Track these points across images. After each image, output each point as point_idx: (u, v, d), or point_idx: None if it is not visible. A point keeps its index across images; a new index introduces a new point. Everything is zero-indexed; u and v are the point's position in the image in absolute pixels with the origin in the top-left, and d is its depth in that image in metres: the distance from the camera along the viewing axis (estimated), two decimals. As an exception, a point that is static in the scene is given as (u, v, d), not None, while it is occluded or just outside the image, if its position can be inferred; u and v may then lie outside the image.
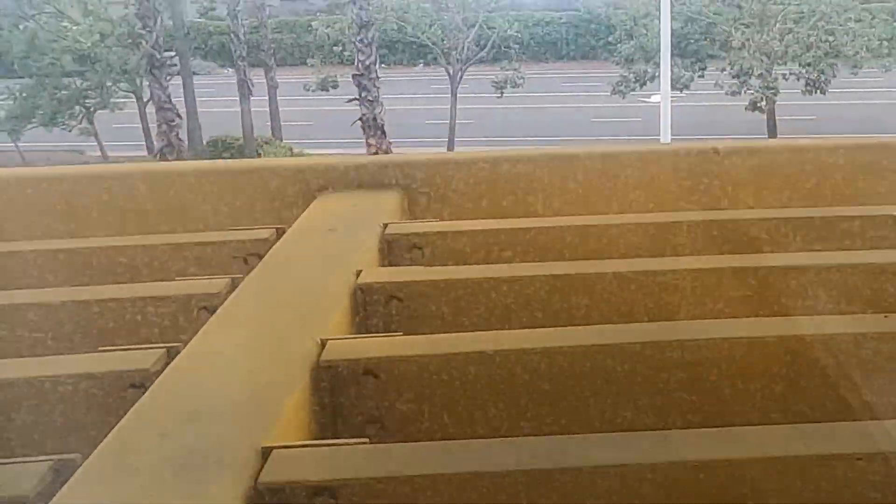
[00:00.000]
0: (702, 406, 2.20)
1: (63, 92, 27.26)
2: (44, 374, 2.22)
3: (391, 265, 2.93)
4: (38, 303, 2.68)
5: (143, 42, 26.83)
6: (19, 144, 27.47)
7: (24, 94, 27.13)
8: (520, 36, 36.22)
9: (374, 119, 28.20)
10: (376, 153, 27.45)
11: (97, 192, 3.39)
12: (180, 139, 26.63)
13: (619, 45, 33.23)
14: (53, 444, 2.15)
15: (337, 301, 2.49)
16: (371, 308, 2.58)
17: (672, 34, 27.72)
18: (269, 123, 30.68)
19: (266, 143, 29.03)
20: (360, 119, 28.09)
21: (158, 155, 26.38)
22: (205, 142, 29.35)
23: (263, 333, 2.34)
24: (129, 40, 28.01)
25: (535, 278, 2.66)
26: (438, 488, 1.74)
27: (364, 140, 27.87)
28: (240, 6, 31.73)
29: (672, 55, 28.11)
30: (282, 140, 29.77)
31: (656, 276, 2.64)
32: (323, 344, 2.22)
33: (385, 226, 3.00)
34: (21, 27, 27.95)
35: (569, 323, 2.55)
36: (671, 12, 27.42)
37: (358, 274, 2.62)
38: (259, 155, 27.88)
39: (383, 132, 28.16)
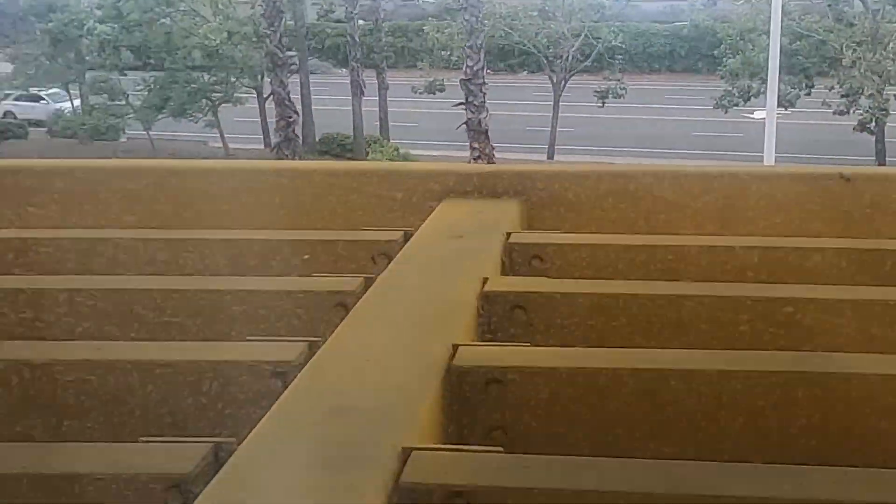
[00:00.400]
0: (836, 442, 2.09)
1: (192, 85, 28.64)
2: (193, 358, 2.31)
3: (512, 274, 2.94)
4: (182, 289, 2.75)
5: (267, 41, 28.03)
6: (150, 133, 29.15)
7: (158, 86, 28.68)
8: (624, 47, 36.19)
9: (479, 123, 28.74)
10: (479, 157, 28.02)
11: (234, 185, 3.49)
12: (296, 135, 27.70)
13: (724, 59, 32.89)
14: (201, 425, 2.25)
15: (464, 307, 2.51)
16: (495, 316, 2.60)
17: (780, 50, 27.38)
18: (377, 123, 31.60)
19: (374, 141, 29.89)
20: (466, 123, 28.68)
21: (275, 149, 27.56)
22: (317, 138, 30.44)
23: (397, 334, 2.38)
24: (254, 39, 29.21)
25: (660, 297, 2.61)
26: (569, 502, 1.75)
27: (468, 144, 28.47)
28: (356, 10, 32.80)
29: (779, 71, 27.76)
30: (389, 140, 30.63)
31: (786, 303, 2.53)
32: (454, 349, 2.26)
33: (508, 235, 3.01)
34: (158, 23, 29.53)
35: (696, 345, 2.49)
36: (780, 28, 27.09)
37: (484, 282, 2.64)
38: (367, 153, 28.78)
39: (487, 137, 28.68)
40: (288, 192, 3.42)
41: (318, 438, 1.87)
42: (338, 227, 3.24)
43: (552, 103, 32.47)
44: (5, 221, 3.29)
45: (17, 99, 32.29)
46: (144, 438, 1.99)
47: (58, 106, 31.56)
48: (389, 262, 2.83)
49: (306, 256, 3.03)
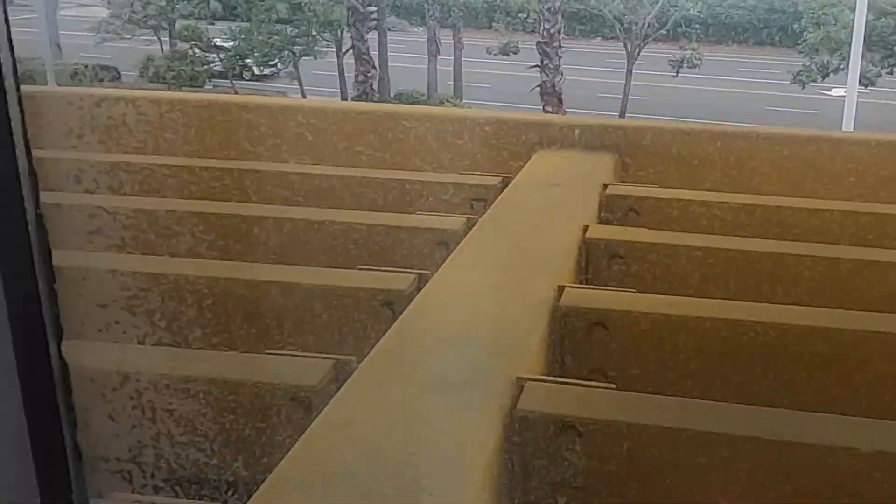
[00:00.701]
0: None
1: (275, 37, 29.12)
2: (315, 282, 2.36)
3: (608, 224, 2.96)
4: (298, 219, 2.83)
5: (349, -4, 28.30)
6: (235, 83, 29.77)
7: (243, 37, 29.27)
8: (701, 16, 35.48)
9: (553, 87, 28.71)
10: (550, 120, 28.08)
11: (340, 125, 3.54)
12: (373, 89, 28.10)
13: (804, 33, 32.06)
14: (318, 343, 2.30)
15: (565, 252, 2.54)
16: (594, 263, 2.63)
17: (864, 26, 26.63)
18: (451, 83, 31.76)
19: (447, 100, 30.10)
20: (540, 86, 28.67)
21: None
22: (392, 94, 30.76)
23: (502, 273, 2.41)
24: (336, -7, 29.53)
25: (757, 254, 2.60)
26: (678, 441, 1.72)
27: (541, 107, 28.51)
28: (435, -32, 32.79)
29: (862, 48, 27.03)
30: (461, 99, 30.79)
31: (878, 266, 2.52)
32: (560, 290, 2.26)
33: (605, 186, 3.02)
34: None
35: (790, 301, 2.47)
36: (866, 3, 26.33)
37: (585, 229, 2.65)
38: (441, 111, 29.01)
39: (560, 100, 28.65)
40: (390, 133, 3.49)
41: (433, 364, 1.91)
42: (438, 168, 3.32)
43: (625, 71, 32.18)
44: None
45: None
46: (270, 352, 2.09)
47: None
48: (487, 206, 2.89)
49: (401, 194, 3.11)
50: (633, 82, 31.71)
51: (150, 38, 30.29)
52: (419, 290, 2.30)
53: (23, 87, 0.99)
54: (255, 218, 2.89)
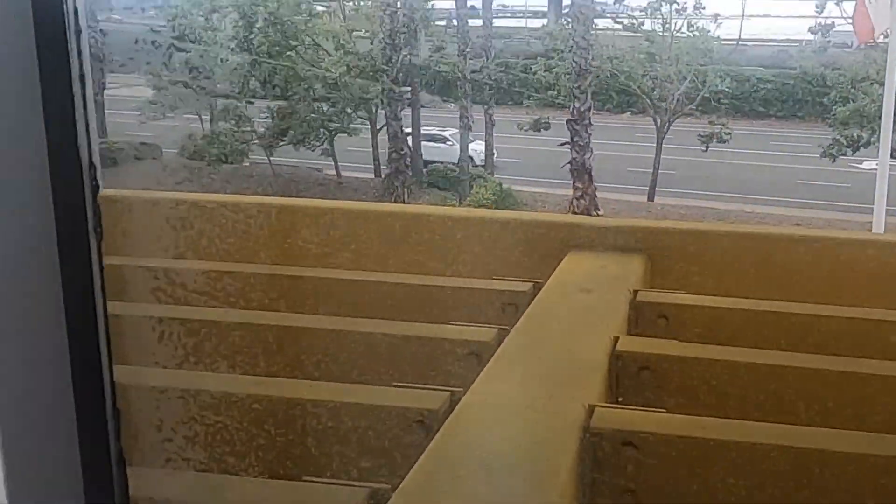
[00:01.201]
0: None
1: (312, 115, 29.66)
2: (345, 400, 2.32)
3: (638, 332, 2.90)
4: (317, 328, 2.78)
5: (383, 76, 28.84)
6: (271, 159, 30.31)
7: (281, 115, 29.85)
8: (730, 91, 35.54)
9: (583, 163, 28.72)
10: (581, 196, 28.02)
11: (363, 228, 3.49)
12: (406, 167, 28.37)
13: (833, 107, 31.93)
14: (349, 465, 2.29)
15: (595, 365, 2.50)
16: (624, 376, 2.57)
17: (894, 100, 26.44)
18: (482, 157, 31.99)
19: (479, 176, 30.25)
20: (570, 162, 28.72)
21: (385, 179, 28.25)
22: (425, 171, 31.03)
23: (533, 389, 2.36)
24: (371, 73, 30.10)
25: (795, 370, 2.49)
26: None
27: (571, 183, 28.51)
28: (468, 47, 33.35)
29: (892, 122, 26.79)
30: (493, 175, 30.95)
31: None
32: (590, 409, 2.24)
33: (635, 293, 2.97)
34: (285, 56, 30.74)
35: (833, 424, 2.35)
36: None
37: (615, 341, 2.62)
38: (471, 186, 29.14)
39: (590, 177, 28.64)
40: (417, 237, 3.45)
41: (467, 492, 1.92)
42: (466, 273, 3.29)
43: (655, 145, 32.17)
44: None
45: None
46: (306, 479, 2.07)
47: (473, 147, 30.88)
48: (519, 313, 2.86)
49: (428, 299, 3.09)
50: (663, 157, 31.64)
51: (191, 116, 31.05)
52: (452, 408, 2.29)
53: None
54: (279, 328, 2.84)
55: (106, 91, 32.55)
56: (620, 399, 2.58)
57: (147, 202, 3.61)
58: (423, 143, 31.78)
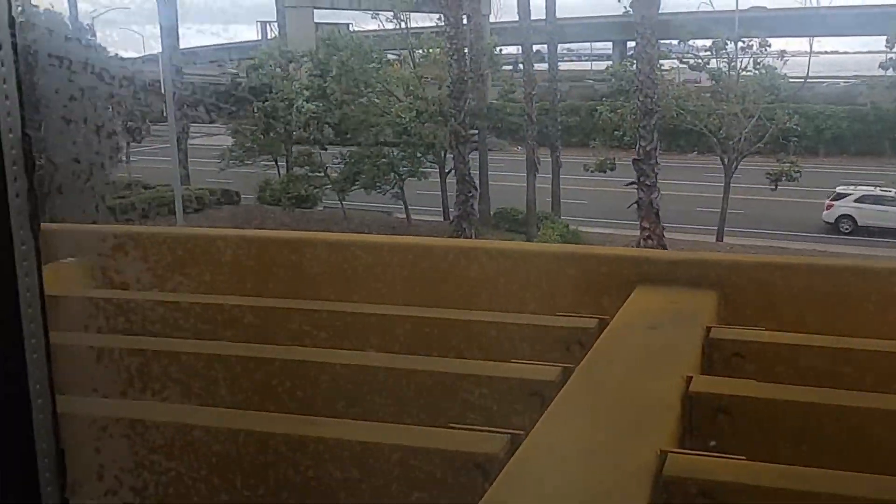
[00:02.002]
0: None
1: (382, 160, 29.99)
2: (402, 442, 2.20)
3: (712, 371, 2.70)
4: (375, 366, 2.66)
5: (452, 120, 28.98)
6: (344, 203, 30.67)
7: (353, 160, 30.26)
8: (799, 129, 34.63)
9: (650, 203, 28.21)
10: (649, 237, 27.49)
11: (426, 263, 3.36)
12: (474, 209, 28.32)
13: (905, 142, 30.82)
14: None
15: (666, 407, 2.33)
16: (698, 419, 2.39)
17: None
18: (549, 199, 31.77)
19: (546, 217, 30.01)
20: (637, 202, 28.27)
21: (454, 222, 28.25)
22: (492, 213, 30.94)
23: (599, 433, 2.22)
24: (440, 117, 30.30)
25: (878, 412, 2.28)
26: None
27: (637, 223, 28.04)
28: (535, 90, 33.36)
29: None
30: (560, 216, 30.68)
31: None
32: (662, 456, 2.08)
33: (708, 329, 2.79)
34: (357, 102, 31.25)
35: None
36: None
37: (687, 381, 2.44)
38: (539, 228, 28.93)
39: (657, 217, 28.11)
40: (481, 272, 3.30)
41: None
42: (531, 309, 3.11)
43: (723, 184, 31.46)
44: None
45: (859, 200, 29.75)
46: None
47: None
48: (584, 351, 2.68)
49: (490, 337, 2.90)
50: (731, 196, 30.88)
51: (268, 162, 31.72)
52: (512, 452, 2.13)
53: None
54: (332, 365, 2.69)
55: (189, 140, 33.64)
56: (695, 444, 2.38)
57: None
58: (861, 205, 28.36)
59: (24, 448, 1.08)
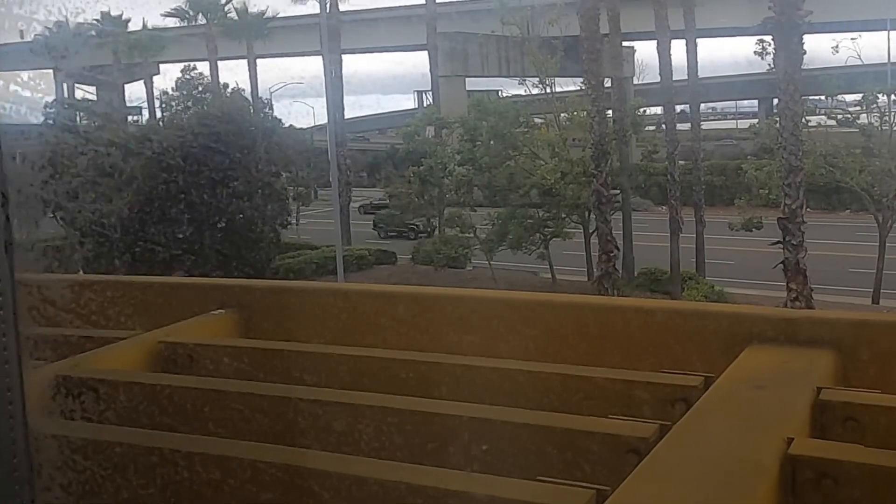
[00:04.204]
0: None
1: (528, 221, 29.94)
2: (487, 493, 2.12)
3: (822, 436, 2.51)
4: (462, 416, 2.59)
5: (594, 180, 28.58)
6: (491, 263, 30.78)
7: (500, 221, 30.40)
8: (962, 182, 31.63)
9: (797, 263, 26.52)
10: (796, 298, 25.78)
11: (532, 317, 3.29)
12: (616, 269, 27.64)
13: None
14: None
15: (765, 469, 2.17)
16: (800, 483, 2.20)
17: None
18: (693, 260, 30.57)
19: (690, 278, 28.84)
20: (783, 262, 26.68)
21: (596, 282, 27.69)
22: (635, 273, 30.09)
23: (688, 492, 2.07)
24: (583, 178, 29.96)
25: None
26: None
27: (784, 284, 26.41)
28: (677, 150, 32.40)
29: None
30: (704, 276, 29.41)
31: None
32: None
33: (819, 390, 2.58)
34: (504, 165, 31.49)
35: None
36: None
37: (789, 442, 2.26)
38: (683, 289, 27.82)
39: (805, 277, 26.37)
40: (588, 327, 3.18)
41: None
42: (638, 366, 2.96)
43: (878, 244, 29.14)
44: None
45: None
46: None
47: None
48: (687, 409, 2.53)
49: (591, 392, 2.77)
50: (887, 256, 28.52)
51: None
52: None
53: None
54: (425, 414, 2.64)
55: (351, 203, 35.02)
56: None
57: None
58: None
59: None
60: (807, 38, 25.96)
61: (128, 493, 2.41)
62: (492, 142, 31.49)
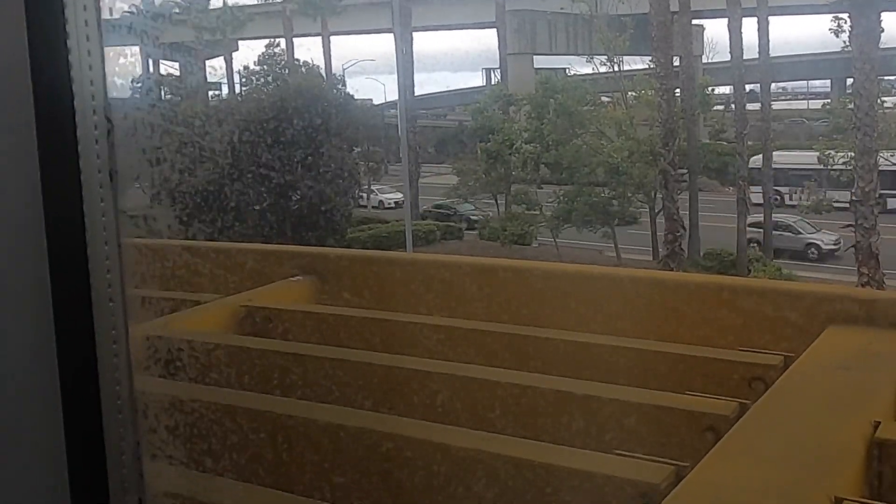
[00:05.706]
0: None
1: (594, 199, 29.41)
2: (563, 464, 2.09)
3: None
4: (541, 387, 2.54)
5: (661, 159, 27.78)
6: (557, 241, 30.32)
7: (566, 199, 29.92)
8: None
9: (870, 247, 25.35)
10: (867, 283, 24.63)
11: (610, 292, 3.22)
12: (682, 249, 26.90)
13: None
14: None
15: (849, 453, 2.07)
16: (887, 467, 2.10)
17: None
18: (761, 241, 29.53)
19: (757, 259, 27.88)
20: (854, 246, 25.53)
21: (661, 261, 27.02)
22: (701, 253, 29.24)
23: (769, 473, 1.98)
24: (650, 157, 29.15)
25: None
26: None
27: (856, 268, 25.26)
28: (746, 129, 31.21)
29: None
30: (771, 258, 28.38)
31: None
32: (837, 503, 1.84)
33: None
34: (571, 143, 30.90)
35: None
36: None
37: (875, 426, 2.15)
38: (749, 271, 26.91)
39: (877, 261, 25.17)
40: (666, 303, 3.13)
41: None
42: (715, 343, 2.88)
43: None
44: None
45: None
46: None
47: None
48: (766, 388, 2.44)
49: (671, 368, 2.73)
50: (968, 241, 26.92)
51: (489, 200, 32.18)
52: (675, 483, 1.96)
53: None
54: (511, 385, 2.65)
55: (420, 179, 34.94)
56: (881, 494, 2.06)
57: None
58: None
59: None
60: (885, 16, 24.51)
61: (217, 446, 2.43)
62: (559, 120, 30.87)
